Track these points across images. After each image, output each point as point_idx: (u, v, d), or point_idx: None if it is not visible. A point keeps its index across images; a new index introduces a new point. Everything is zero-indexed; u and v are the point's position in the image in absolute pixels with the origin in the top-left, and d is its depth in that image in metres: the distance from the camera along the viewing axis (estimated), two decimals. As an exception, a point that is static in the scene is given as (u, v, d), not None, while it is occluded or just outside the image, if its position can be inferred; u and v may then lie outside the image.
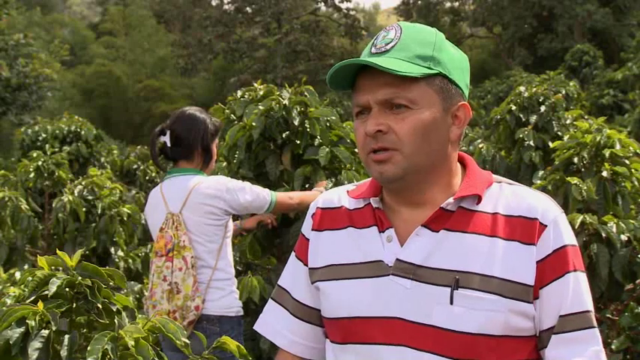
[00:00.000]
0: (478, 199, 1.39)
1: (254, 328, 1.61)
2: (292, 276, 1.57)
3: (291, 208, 3.39)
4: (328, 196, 1.55)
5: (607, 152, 3.63)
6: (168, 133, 3.20)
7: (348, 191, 1.53)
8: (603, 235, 3.26)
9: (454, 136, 1.40)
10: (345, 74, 1.39)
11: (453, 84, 1.39)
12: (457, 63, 1.40)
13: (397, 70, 1.32)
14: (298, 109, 3.77)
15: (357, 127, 1.40)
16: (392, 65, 1.32)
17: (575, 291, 1.35)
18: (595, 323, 1.37)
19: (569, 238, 1.38)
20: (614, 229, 3.28)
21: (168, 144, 3.20)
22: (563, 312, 1.34)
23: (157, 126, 3.29)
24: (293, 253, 1.58)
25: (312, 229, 1.53)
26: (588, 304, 1.37)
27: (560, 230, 1.37)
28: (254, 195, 3.15)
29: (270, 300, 1.60)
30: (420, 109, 1.35)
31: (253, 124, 3.73)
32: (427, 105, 1.35)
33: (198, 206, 3.07)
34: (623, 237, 3.30)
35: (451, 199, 1.38)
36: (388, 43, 1.38)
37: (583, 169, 3.69)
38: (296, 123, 3.72)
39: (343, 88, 1.43)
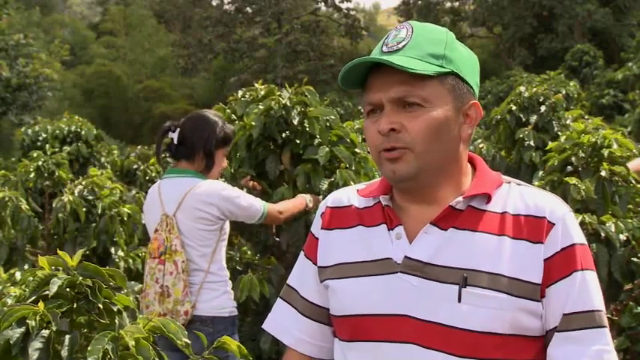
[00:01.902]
0: (488, 198, 1.39)
1: (262, 327, 1.62)
2: (301, 275, 1.57)
3: (280, 222, 3.42)
4: (338, 195, 1.56)
5: (605, 152, 3.63)
6: (177, 130, 3.20)
7: (358, 190, 1.53)
8: (602, 235, 3.27)
9: (465, 135, 1.40)
10: (356, 73, 1.39)
11: (464, 82, 1.39)
12: (467, 62, 1.40)
13: (412, 67, 1.32)
14: (298, 108, 3.78)
15: (369, 126, 1.40)
16: (406, 63, 1.32)
17: (580, 290, 1.33)
18: (604, 323, 1.34)
19: (578, 237, 1.37)
20: (613, 229, 3.29)
21: (175, 141, 3.19)
22: (567, 310, 1.33)
23: (158, 126, 3.29)
24: (302, 252, 1.58)
25: (322, 228, 1.53)
26: (595, 304, 1.34)
27: (569, 229, 1.36)
28: (247, 205, 3.13)
29: (278, 299, 1.60)
30: (433, 107, 1.35)
31: (253, 123, 3.74)
32: (440, 103, 1.35)
33: (192, 211, 3.06)
34: (622, 237, 3.31)
35: (460, 198, 1.38)
36: (400, 42, 1.37)
37: (580, 169, 3.69)
38: (295, 122, 3.72)
39: (354, 87, 1.42)
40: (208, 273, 3.09)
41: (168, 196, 3.14)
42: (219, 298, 3.10)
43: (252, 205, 3.15)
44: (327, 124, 3.85)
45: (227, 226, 3.20)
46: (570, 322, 1.33)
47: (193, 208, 3.06)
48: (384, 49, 1.38)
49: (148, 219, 3.25)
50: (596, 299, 1.35)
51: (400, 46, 1.36)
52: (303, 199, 3.46)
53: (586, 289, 1.34)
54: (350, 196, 1.53)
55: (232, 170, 3.88)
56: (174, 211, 3.09)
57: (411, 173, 1.36)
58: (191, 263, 3.07)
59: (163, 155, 3.28)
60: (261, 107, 3.78)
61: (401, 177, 1.37)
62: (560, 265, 1.34)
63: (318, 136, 3.79)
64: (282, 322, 1.58)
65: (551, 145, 3.98)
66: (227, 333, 3.06)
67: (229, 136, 3.24)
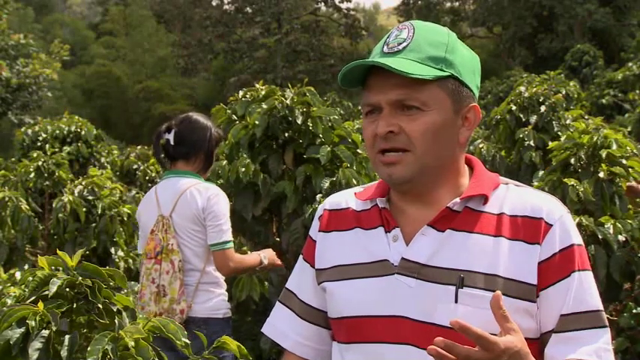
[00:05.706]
0: (485, 199, 1.40)
1: (261, 330, 1.62)
2: (299, 278, 1.57)
3: (227, 271, 3.12)
4: (335, 198, 1.56)
5: (604, 153, 3.63)
6: (173, 131, 3.20)
7: (355, 193, 1.54)
8: (600, 236, 3.26)
9: (463, 137, 1.40)
10: (356, 73, 1.39)
11: (464, 86, 1.39)
12: (468, 65, 1.41)
13: (409, 72, 1.32)
14: (302, 108, 3.79)
15: (366, 126, 1.40)
16: (404, 67, 1.32)
17: (577, 291, 1.34)
18: (603, 322, 1.35)
19: (576, 238, 1.38)
20: (612, 230, 3.28)
21: (172, 142, 3.19)
22: (564, 311, 1.33)
23: (157, 126, 3.31)
24: (301, 256, 1.58)
25: (319, 231, 1.53)
26: (593, 304, 1.35)
27: (567, 229, 1.37)
28: (222, 227, 3.05)
29: (277, 302, 1.61)
30: (432, 111, 1.35)
31: (256, 122, 3.75)
32: (438, 107, 1.36)
33: (185, 210, 3.09)
34: (621, 237, 3.30)
35: (457, 199, 1.39)
36: (400, 43, 1.37)
37: (580, 170, 3.68)
38: (299, 122, 3.73)
39: (353, 86, 1.43)
40: (204, 273, 3.10)
41: (164, 197, 3.15)
42: (214, 300, 3.12)
43: (223, 231, 3.06)
44: (330, 124, 3.86)
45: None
46: (568, 323, 1.33)
47: (187, 208, 3.08)
48: (385, 49, 1.38)
49: (143, 221, 3.24)
50: (594, 299, 1.36)
51: (401, 47, 1.37)
52: (258, 257, 3.26)
53: (584, 289, 1.35)
54: (348, 199, 1.53)
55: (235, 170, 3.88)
56: (170, 212, 3.11)
57: (406, 177, 1.37)
58: (187, 263, 3.08)
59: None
60: (264, 107, 3.79)
61: (397, 180, 1.38)
62: (558, 267, 1.34)
63: (320, 136, 3.80)
64: (280, 326, 1.58)
65: (552, 144, 3.98)
66: (222, 334, 3.04)
67: (221, 136, 3.32)
